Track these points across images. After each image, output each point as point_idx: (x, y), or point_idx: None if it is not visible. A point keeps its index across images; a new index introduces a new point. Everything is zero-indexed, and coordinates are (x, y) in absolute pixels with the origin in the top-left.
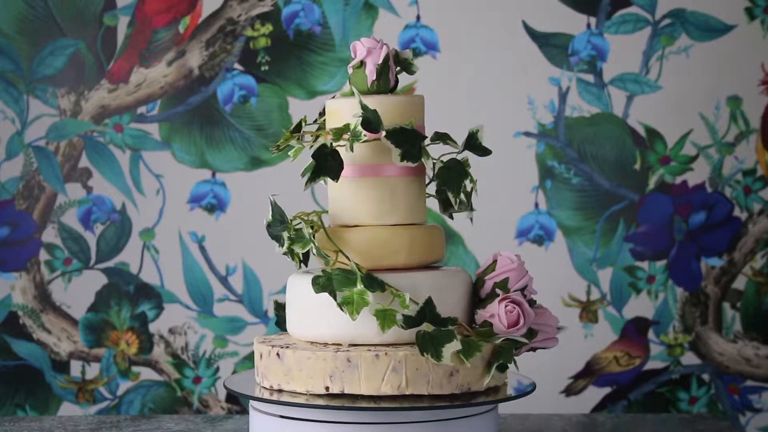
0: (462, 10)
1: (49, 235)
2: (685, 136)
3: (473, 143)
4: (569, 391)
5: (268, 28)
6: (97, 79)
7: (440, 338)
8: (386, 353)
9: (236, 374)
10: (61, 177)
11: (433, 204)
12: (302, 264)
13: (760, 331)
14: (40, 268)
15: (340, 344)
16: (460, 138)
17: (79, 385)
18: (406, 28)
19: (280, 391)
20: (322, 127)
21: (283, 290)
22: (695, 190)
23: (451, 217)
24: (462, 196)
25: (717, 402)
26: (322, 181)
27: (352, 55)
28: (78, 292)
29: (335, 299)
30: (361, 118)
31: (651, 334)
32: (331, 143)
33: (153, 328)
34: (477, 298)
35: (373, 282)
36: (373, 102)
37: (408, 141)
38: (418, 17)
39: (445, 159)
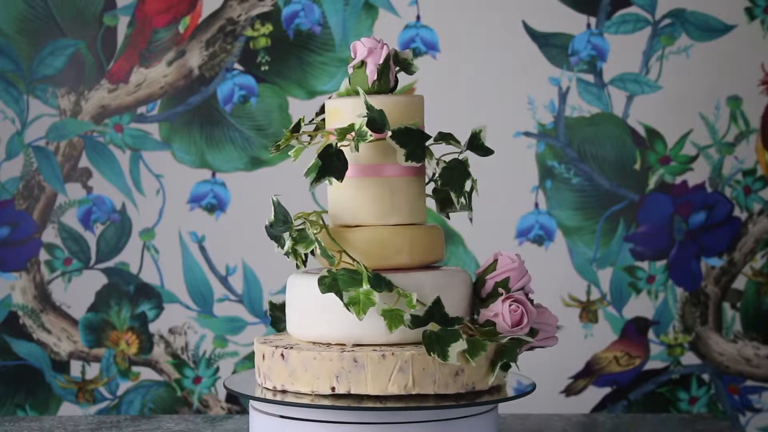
0: (462, 10)
1: (49, 235)
2: (685, 136)
3: (476, 143)
4: (569, 391)
5: (268, 28)
6: (97, 79)
7: (446, 338)
8: (393, 353)
9: (236, 374)
10: (61, 177)
11: (430, 204)
12: (303, 264)
13: (760, 331)
14: (40, 268)
15: (344, 344)
16: (460, 138)
17: (79, 385)
18: (406, 28)
19: (283, 391)
20: (319, 126)
21: (284, 290)
22: (695, 190)
23: (448, 217)
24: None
25: (717, 402)
26: (327, 181)
27: (353, 55)
28: (78, 292)
29: (342, 299)
30: (366, 118)
31: (651, 334)
32: (336, 143)
33: (153, 328)
34: (478, 297)
35: (381, 282)
36: (374, 102)
37: (413, 141)
38: (418, 17)
39: (445, 159)
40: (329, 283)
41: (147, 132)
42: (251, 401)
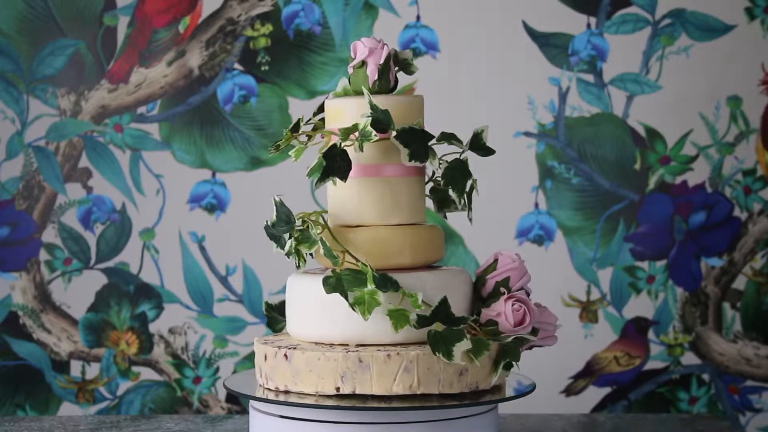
0: (462, 10)
1: (49, 235)
2: (685, 136)
3: (478, 143)
4: (569, 391)
5: (268, 28)
6: (97, 79)
7: (451, 337)
8: (398, 353)
9: (236, 374)
10: (61, 177)
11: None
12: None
13: (760, 331)
14: (40, 268)
15: (347, 344)
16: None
17: (79, 385)
18: (406, 28)
19: (286, 392)
20: (318, 126)
21: (283, 290)
22: (695, 190)
23: (445, 217)
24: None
25: (717, 402)
26: (331, 181)
27: (353, 55)
28: (78, 292)
29: (347, 299)
30: (369, 118)
31: (651, 334)
32: (340, 143)
33: (153, 328)
34: (478, 297)
35: (386, 282)
36: (375, 102)
37: (416, 141)
38: (418, 17)
39: (445, 159)
40: (334, 284)
41: (147, 132)
42: (251, 401)
